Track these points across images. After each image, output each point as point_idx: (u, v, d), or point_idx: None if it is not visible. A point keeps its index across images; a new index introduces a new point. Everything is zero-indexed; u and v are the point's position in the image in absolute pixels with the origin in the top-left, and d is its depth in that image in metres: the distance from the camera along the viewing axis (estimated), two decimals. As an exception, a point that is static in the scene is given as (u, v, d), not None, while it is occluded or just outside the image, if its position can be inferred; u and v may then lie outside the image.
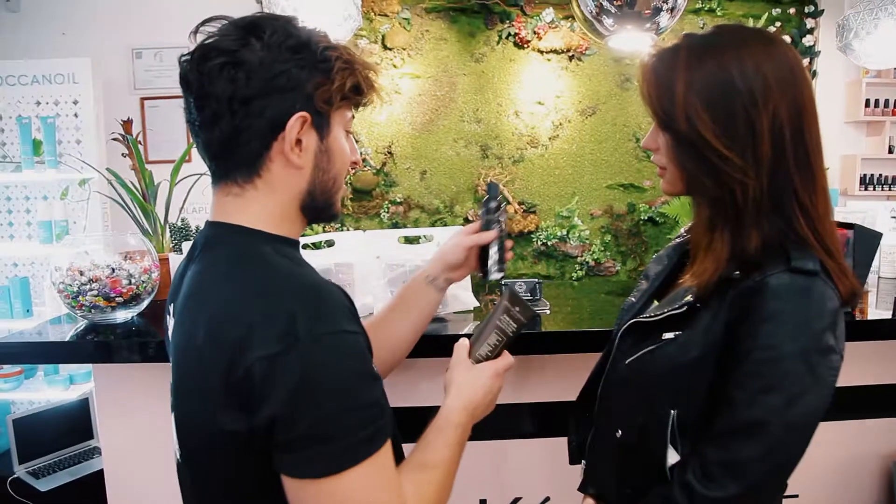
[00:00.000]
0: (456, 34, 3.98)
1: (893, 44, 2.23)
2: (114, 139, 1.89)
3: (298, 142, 0.77)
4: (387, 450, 0.72)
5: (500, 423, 1.58)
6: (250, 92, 0.74)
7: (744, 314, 0.81)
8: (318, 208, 0.84)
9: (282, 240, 0.81)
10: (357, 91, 0.81)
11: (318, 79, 0.77)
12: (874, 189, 4.64)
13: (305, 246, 1.65)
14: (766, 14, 4.03)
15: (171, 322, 0.86)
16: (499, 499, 1.61)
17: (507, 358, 0.97)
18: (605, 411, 1.01)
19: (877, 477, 1.75)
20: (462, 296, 1.61)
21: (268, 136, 0.76)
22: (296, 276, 0.74)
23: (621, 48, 2.26)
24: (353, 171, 0.91)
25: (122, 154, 1.87)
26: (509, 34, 3.98)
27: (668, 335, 0.89)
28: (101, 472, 1.64)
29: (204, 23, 0.79)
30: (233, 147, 0.77)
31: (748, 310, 0.81)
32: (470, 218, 4.08)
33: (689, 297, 0.87)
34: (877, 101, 4.51)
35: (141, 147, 3.82)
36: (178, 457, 0.85)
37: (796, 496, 1.67)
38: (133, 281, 1.51)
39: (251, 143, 0.76)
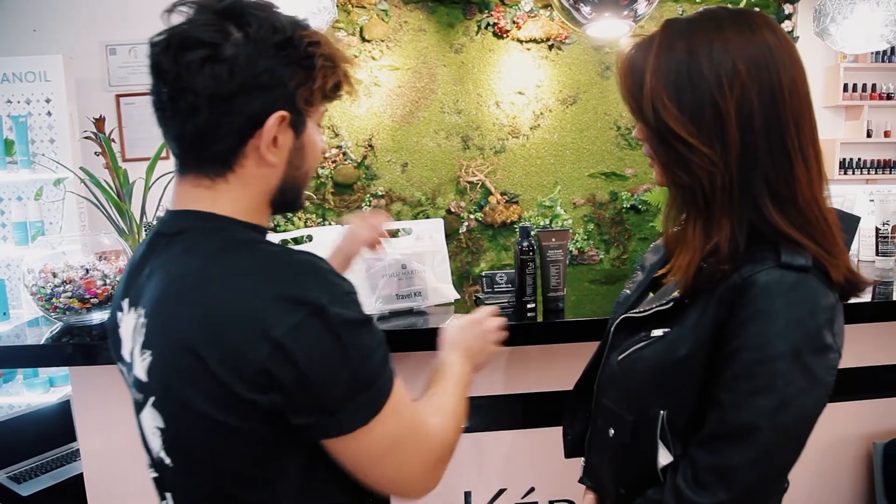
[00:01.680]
0: (434, 25, 3.95)
1: (869, 28, 2.24)
2: (86, 137, 1.86)
3: (274, 139, 0.76)
4: (400, 381, 0.78)
5: (483, 414, 1.58)
6: (232, 88, 0.72)
7: (732, 312, 0.78)
8: (287, 202, 0.84)
9: (254, 227, 0.81)
10: (337, 89, 0.81)
11: (301, 77, 0.76)
12: (853, 173, 4.68)
13: (285, 241, 1.64)
14: (744, 0, 4.03)
15: (127, 317, 0.82)
16: (483, 491, 1.61)
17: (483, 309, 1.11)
18: (600, 409, 0.98)
19: (858, 458, 1.77)
20: (442, 289, 1.60)
21: (245, 132, 0.75)
22: (286, 253, 0.76)
23: (599, 36, 2.25)
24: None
25: (96, 153, 1.83)
26: (488, 24, 3.96)
27: (658, 332, 0.86)
28: (83, 475, 1.62)
29: (180, 3, 0.76)
30: (207, 141, 0.75)
31: (736, 307, 0.77)
32: (452, 210, 4.07)
33: (676, 293, 0.84)
34: (854, 86, 4.55)
35: (116, 145, 3.77)
36: (167, 462, 0.81)
37: (779, 479, 1.69)
38: (108, 281, 1.48)
39: (227, 138, 0.75)
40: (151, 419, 0.79)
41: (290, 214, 3.91)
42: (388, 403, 0.74)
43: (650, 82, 0.81)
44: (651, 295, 1.00)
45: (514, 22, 3.95)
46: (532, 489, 1.61)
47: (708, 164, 0.79)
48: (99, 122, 1.84)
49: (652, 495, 0.86)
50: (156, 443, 0.80)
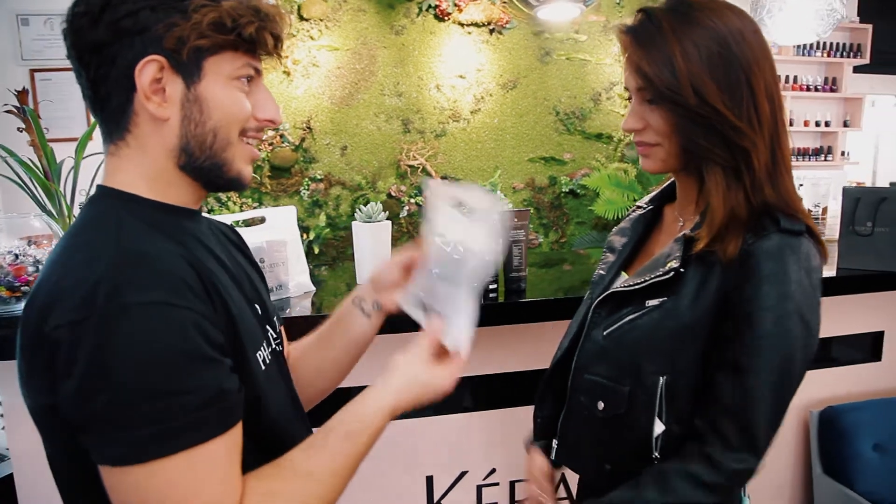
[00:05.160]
0: (375, 5, 3.87)
1: (801, 21, 2.34)
2: (7, 111, 1.70)
3: (162, 91, 0.69)
4: (219, 444, 0.63)
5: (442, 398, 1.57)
6: (96, 38, 0.67)
7: (740, 279, 0.81)
8: (203, 169, 0.73)
9: (161, 206, 0.73)
10: (219, 29, 0.69)
11: (173, 18, 0.68)
12: (774, 160, 4.92)
13: (235, 223, 1.56)
14: (677, -10, 4.15)
15: None
16: (445, 474, 1.59)
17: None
18: (583, 385, 0.98)
19: (795, 426, 1.87)
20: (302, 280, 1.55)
21: (126, 86, 0.69)
22: (124, 241, 0.66)
23: (550, 19, 2.25)
24: (263, 131, 0.79)
25: (19, 129, 1.69)
26: (429, 6, 3.90)
27: (653, 302, 0.88)
28: (10, 477, 1.50)
29: None
30: (98, 102, 0.71)
31: (744, 274, 0.81)
32: (392, 194, 4.01)
33: (673, 263, 0.87)
34: (778, 77, 4.78)
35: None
36: None
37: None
38: (40, 268, 1.37)
39: (111, 96, 0.70)
40: None
41: (223, 198, 3.75)
42: (165, 462, 0.60)
43: (683, 65, 0.81)
44: (624, 274, 1.02)
45: (455, 4, 3.91)
46: (493, 470, 1.61)
47: (749, 142, 0.82)
48: (22, 94, 1.68)
49: (676, 469, 0.84)
50: None
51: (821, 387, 1.86)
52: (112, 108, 0.71)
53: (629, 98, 0.92)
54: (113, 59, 0.68)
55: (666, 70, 0.82)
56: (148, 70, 0.68)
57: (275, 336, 0.86)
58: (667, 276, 0.87)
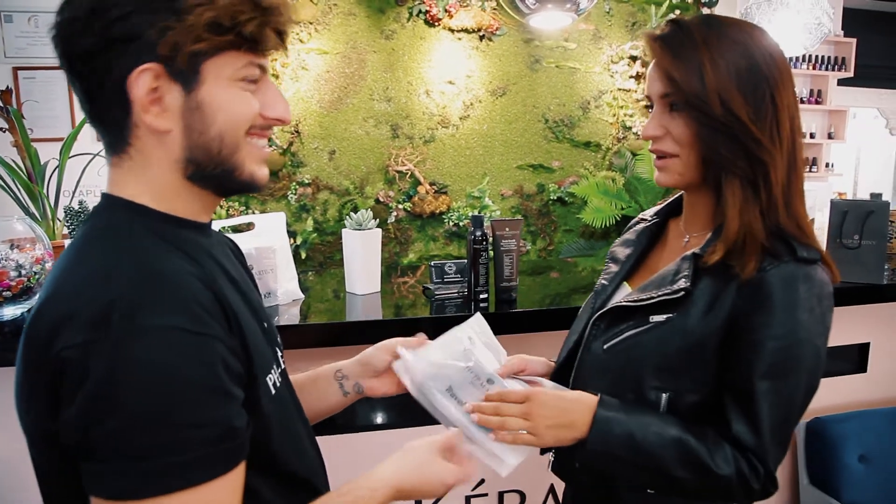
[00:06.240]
0: (365, 9, 3.85)
1: (790, 34, 2.36)
2: (-10, 112, 1.67)
3: (160, 101, 0.64)
4: (224, 484, 0.60)
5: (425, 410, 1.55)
6: (87, 46, 0.62)
7: (754, 304, 0.81)
8: (214, 176, 0.69)
9: (172, 219, 0.69)
10: (217, 30, 0.63)
11: (166, 22, 0.62)
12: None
13: (223, 229, 1.53)
14: (667, 1, 4.18)
15: None
16: (434, 485, 1.58)
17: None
18: None
19: (782, 439, 1.87)
20: (291, 288, 1.53)
21: (122, 97, 0.63)
22: (141, 259, 0.62)
23: (541, 27, 2.25)
24: (270, 129, 0.74)
25: (2, 129, 1.65)
26: (420, 11, 3.90)
27: (658, 318, 0.87)
28: (-12, 487, 1.46)
29: None
30: (96, 114, 0.67)
31: (759, 300, 0.81)
32: (380, 199, 3.99)
33: (682, 283, 0.86)
34: (797, 101, 4.83)
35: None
36: None
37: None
38: (23, 272, 1.34)
39: (109, 109, 0.65)
40: None
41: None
42: (165, 500, 0.56)
43: (712, 75, 0.82)
44: (626, 285, 1.01)
45: (445, 10, 3.91)
46: (482, 481, 1.59)
47: (768, 155, 0.83)
48: (6, 93, 1.65)
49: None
50: None
51: (807, 398, 1.87)
52: (110, 120, 0.66)
53: (648, 107, 0.92)
54: (107, 68, 0.63)
55: (695, 77, 0.83)
56: (143, 80, 0.63)
57: (280, 354, 0.83)
58: (678, 296, 0.86)
